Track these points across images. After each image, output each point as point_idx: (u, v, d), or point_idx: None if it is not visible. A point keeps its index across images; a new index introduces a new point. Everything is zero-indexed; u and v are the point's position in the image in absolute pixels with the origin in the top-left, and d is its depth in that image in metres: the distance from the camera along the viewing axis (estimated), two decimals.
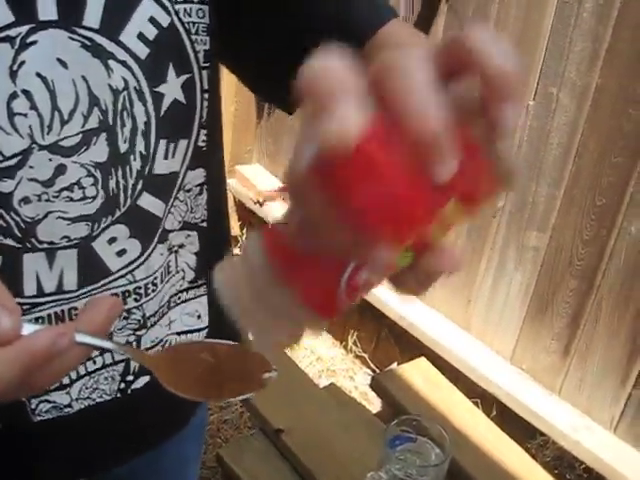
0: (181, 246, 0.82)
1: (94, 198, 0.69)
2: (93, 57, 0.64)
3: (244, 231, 2.97)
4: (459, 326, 2.10)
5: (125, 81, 0.66)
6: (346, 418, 1.52)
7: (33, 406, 0.80)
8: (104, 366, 0.81)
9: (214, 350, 0.56)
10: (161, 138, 0.71)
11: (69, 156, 0.66)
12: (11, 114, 0.62)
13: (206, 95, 0.74)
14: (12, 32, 0.60)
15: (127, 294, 0.77)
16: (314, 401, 1.58)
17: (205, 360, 0.51)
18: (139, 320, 0.79)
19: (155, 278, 0.79)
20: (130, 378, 0.84)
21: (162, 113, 0.70)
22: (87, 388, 0.82)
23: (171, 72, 0.69)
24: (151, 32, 0.66)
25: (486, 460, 1.45)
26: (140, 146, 0.70)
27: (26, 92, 0.62)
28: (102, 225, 0.71)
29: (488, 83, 0.31)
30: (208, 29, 0.71)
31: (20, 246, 0.68)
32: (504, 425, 1.62)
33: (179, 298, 0.85)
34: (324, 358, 2.54)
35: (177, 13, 0.68)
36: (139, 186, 0.72)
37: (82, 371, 0.79)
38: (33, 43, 0.61)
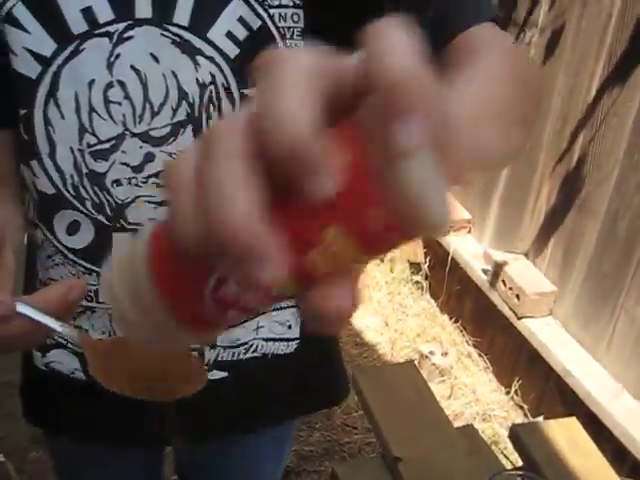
0: None
1: None
2: (182, 53, 0.67)
3: (427, 259, 2.93)
4: (630, 394, 1.89)
5: (212, 76, 0.69)
6: (472, 463, 1.42)
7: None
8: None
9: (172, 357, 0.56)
10: None
11: (158, 145, 0.70)
12: (107, 101, 0.67)
13: None
14: (111, 28, 0.65)
15: None
16: (443, 439, 1.50)
17: (144, 357, 0.50)
18: None
19: None
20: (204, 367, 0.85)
21: None
22: None
23: None
24: (241, 32, 0.68)
25: None
26: None
27: (121, 83, 0.67)
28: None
29: (379, 95, 0.24)
30: (303, 33, 0.71)
31: (110, 224, 0.73)
32: None
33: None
34: (483, 401, 2.42)
35: (272, 17, 0.69)
36: None
37: None
38: (129, 38, 0.66)
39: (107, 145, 0.69)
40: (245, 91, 0.70)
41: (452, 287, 2.78)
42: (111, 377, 0.49)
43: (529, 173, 2.29)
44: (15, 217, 0.70)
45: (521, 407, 2.34)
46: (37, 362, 0.88)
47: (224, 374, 0.87)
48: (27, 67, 0.67)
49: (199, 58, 0.68)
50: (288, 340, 0.90)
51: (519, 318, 2.20)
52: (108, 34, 0.65)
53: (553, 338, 2.13)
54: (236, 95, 0.70)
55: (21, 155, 0.74)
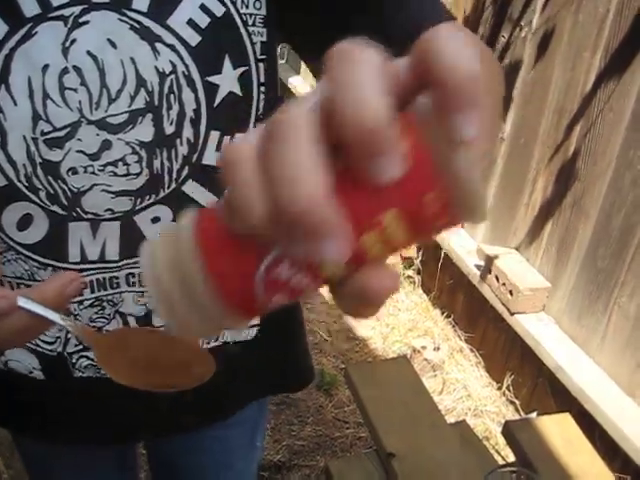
0: None
1: (138, 175, 0.70)
2: (141, 39, 0.65)
3: (420, 254, 2.92)
4: (623, 391, 1.89)
5: (173, 65, 0.67)
6: (465, 458, 1.41)
7: (74, 360, 0.83)
8: None
9: (159, 338, 0.54)
10: (213, 129, 0.71)
11: (115, 133, 0.68)
12: (62, 88, 0.65)
13: (262, 88, 0.73)
14: (66, 11, 0.62)
15: None
16: (437, 434, 1.49)
17: (145, 348, 0.49)
18: None
19: None
20: None
21: (216, 104, 0.70)
22: None
23: (227, 64, 0.69)
24: (203, 20, 0.66)
25: None
26: (187, 132, 0.70)
27: (77, 68, 0.64)
28: (145, 202, 0.72)
29: (439, 91, 0.27)
30: (265, 20, 0.70)
31: (66, 214, 0.71)
32: None
33: None
34: (475, 396, 2.41)
35: (234, 4, 0.67)
36: (184, 172, 0.72)
37: None
38: (85, 23, 0.63)
39: (62, 133, 0.67)
40: (209, 79, 0.69)
41: (444, 282, 2.77)
42: (118, 369, 0.48)
43: (524, 167, 2.28)
44: None
45: (513, 403, 2.33)
46: None
47: None
48: None
49: (159, 45, 0.66)
50: (249, 326, 0.89)
51: (512, 314, 2.19)
52: (63, 18, 0.63)
53: (546, 334, 2.12)
54: (198, 83, 0.69)
55: None
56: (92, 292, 0.77)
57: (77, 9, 0.63)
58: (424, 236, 0.30)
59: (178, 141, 0.70)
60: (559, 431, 1.52)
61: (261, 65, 0.72)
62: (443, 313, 2.77)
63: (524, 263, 2.28)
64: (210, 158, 0.73)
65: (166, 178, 0.72)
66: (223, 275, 0.30)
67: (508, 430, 1.54)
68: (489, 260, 2.31)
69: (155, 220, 0.74)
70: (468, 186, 0.28)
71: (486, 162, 0.28)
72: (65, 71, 0.65)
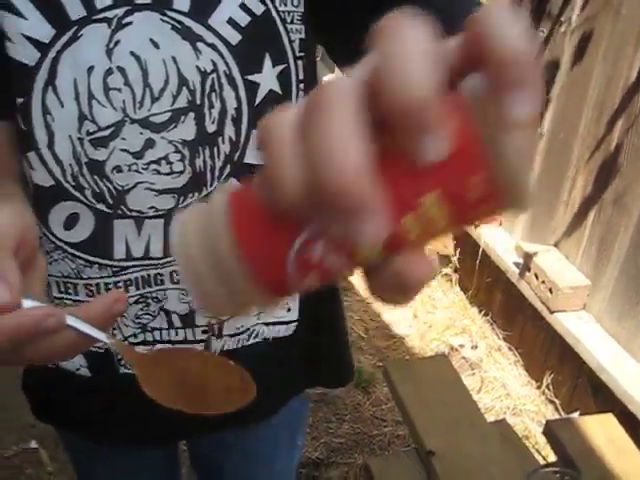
0: None
1: (181, 173, 0.71)
2: (182, 39, 0.66)
3: (457, 252, 2.90)
4: None
5: (214, 64, 0.68)
6: (505, 457, 1.41)
7: (119, 357, 0.84)
8: (186, 341, 0.83)
9: (202, 359, 0.55)
10: (254, 128, 0.71)
11: (158, 132, 0.69)
12: (107, 88, 0.66)
13: (301, 85, 0.73)
14: (110, 13, 0.64)
15: None
16: (477, 433, 1.49)
17: (187, 369, 0.50)
18: None
19: None
20: None
21: (257, 103, 0.71)
22: None
23: (267, 62, 0.70)
24: (243, 18, 0.67)
25: None
26: (229, 131, 0.71)
27: (121, 69, 0.66)
28: (188, 200, 0.73)
29: (492, 70, 0.26)
30: (303, 18, 0.70)
31: (111, 212, 0.72)
32: None
33: None
34: (514, 395, 2.39)
35: (273, 2, 0.68)
36: (227, 170, 0.73)
37: (165, 336, 0.82)
38: (129, 24, 0.65)
39: (107, 132, 0.68)
40: (249, 77, 0.69)
41: (482, 280, 2.75)
42: (159, 390, 0.48)
43: (563, 164, 2.25)
44: (33, 216, 0.69)
45: (552, 402, 2.31)
46: None
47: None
48: (24, 54, 0.65)
49: (200, 45, 0.67)
50: (287, 323, 0.89)
51: (551, 312, 2.17)
52: (107, 20, 0.64)
53: (587, 333, 2.09)
54: (239, 82, 0.69)
55: (19, 148, 0.72)
56: (137, 289, 0.78)
57: (120, 11, 0.64)
58: (464, 222, 0.29)
59: (220, 139, 0.71)
60: (602, 431, 1.50)
61: (300, 62, 0.73)
62: (481, 311, 2.75)
63: (564, 261, 2.25)
64: (252, 157, 0.73)
65: (208, 176, 0.73)
66: (255, 252, 0.30)
67: (549, 429, 1.53)
68: (528, 257, 2.29)
69: None
70: (516, 171, 0.27)
71: (533, 148, 0.28)
72: (109, 72, 0.66)
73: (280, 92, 0.72)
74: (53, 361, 0.47)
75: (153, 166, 0.70)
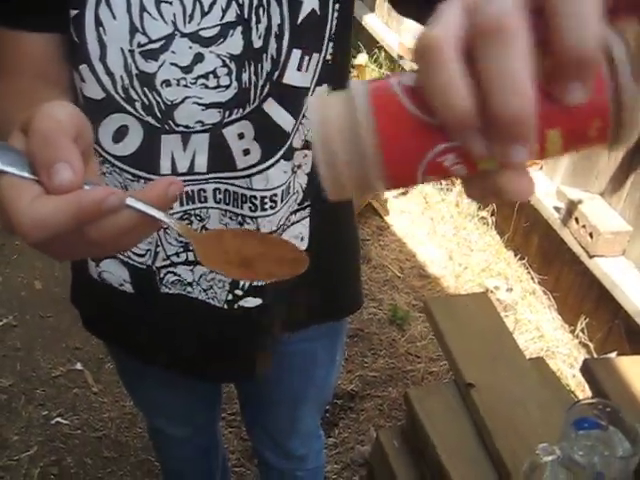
0: (299, 166, 0.82)
1: (227, 87, 0.72)
2: None
3: None
4: None
5: None
6: (542, 393, 1.44)
7: (162, 275, 0.86)
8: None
9: (254, 236, 0.59)
10: (295, 47, 0.72)
11: (207, 46, 0.69)
12: (158, 1, 0.67)
13: (337, 6, 0.73)
14: None
15: (244, 199, 0.80)
16: (516, 368, 1.51)
17: (242, 246, 0.52)
18: None
19: (274, 195, 0.80)
20: (239, 293, 0.88)
21: (299, 21, 0.71)
22: (207, 280, 0.87)
23: None
24: None
25: None
26: (272, 48, 0.72)
27: None
28: (233, 116, 0.74)
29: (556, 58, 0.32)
30: None
31: (159, 126, 0.74)
32: None
33: (289, 220, 0.86)
34: (547, 338, 2.42)
35: None
36: (266, 89, 0.74)
37: None
38: None
39: (157, 45, 0.69)
40: None
41: (520, 224, 2.75)
42: (218, 263, 0.51)
43: None
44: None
45: (586, 346, 2.33)
46: (91, 271, 0.90)
47: (259, 301, 0.90)
48: None
49: None
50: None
51: (591, 257, 2.18)
52: None
53: (625, 278, 2.10)
54: (285, 0, 0.70)
55: (71, 61, 0.73)
56: (181, 205, 0.80)
57: None
58: (576, 151, 0.35)
59: (264, 56, 0.72)
60: (638, 372, 1.53)
61: None
62: (517, 255, 2.76)
63: (605, 206, 2.24)
64: (290, 78, 0.74)
65: (252, 92, 0.74)
66: (393, 144, 0.34)
67: (587, 368, 1.55)
68: (570, 202, 2.28)
69: (241, 136, 0.76)
70: (632, 114, 0.33)
71: None
72: None
73: (319, 13, 0.72)
74: (112, 248, 0.47)
75: (201, 80, 0.71)
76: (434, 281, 2.66)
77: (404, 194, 3.09)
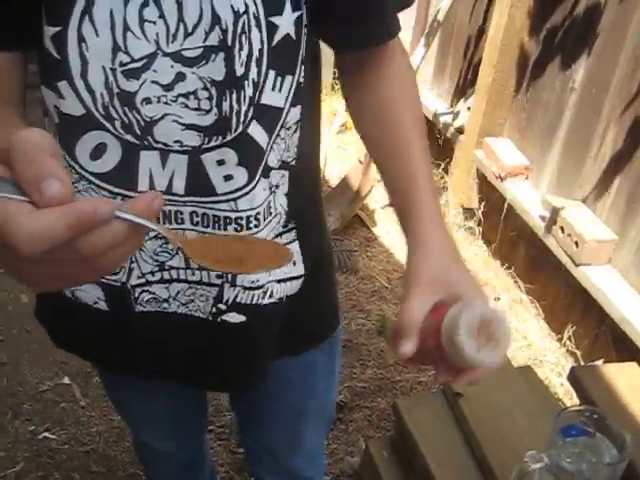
0: (277, 186, 0.83)
1: (207, 112, 0.73)
2: None
3: (482, 205, 2.91)
4: None
5: (246, 5, 0.69)
6: (530, 401, 1.44)
7: (136, 294, 0.86)
8: (201, 282, 0.86)
9: (240, 238, 0.65)
10: (271, 68, 0.73)
11: (189, 66, 0.70)
12: (142, 20, 0.68)
13: (305, 30, 0.75)
14: None
15: (228, 221, 0.80)
16: (503, 377, 1.52)
17: (231, 246, 0.55)
18: None
19: (258, 214, 0.81)
20: (222, 307, 0.88)
21: (274, 44, 0.72)
22: (185, 295, 0.87)
23: (288, 6, 0.72)
24: None
25: None
26: (253, 73, 0.72)
27: (156, 1, 0.67)
28: (212, 143, 0.75)
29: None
30: None
31: (138, 143, 0.74)
32: None
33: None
34: (535, 347, 2.43)
35: None
36: (250, 113, 0.75)
37: (182, 275, 0.84)
38: None
39: (139, 64, 0.70)
40: (271, 19, 0.71)
41: (506, 233, 2.76)
42: (207, 262, 0.53)
43: (594, 118, 2.24)
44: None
45: (573, 354, 2.35)
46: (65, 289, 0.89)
47: (242, 318, 0.89)
48: None
49: None
50: (297, 278, 0.92)
51: (577, 265, 2.19)
52: None
53: (611, 286, 2.11)
54: (263, 23, 0.71)
55: (46, 77, 0.74)
56: (157, 223, 0.80)
57: None
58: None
59: (246, 83, 0.73)
60: (626, 379, 1.53)
61: (307, 11, 0.74)
62: (503, 264, 2.77)
63: (591, 215, 2.26)
64: (267, 98, 0.75)
65: (234, 120, 0.74)
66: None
67: (574, 375, 1.56)
68: (555, 211, 2.30)
69: (221, 163, 0.77)
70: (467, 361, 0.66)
71: None
72: (145, 4, 0.67)
73: (294, 38, 0.74)
74: (105, 264, 0.46)
75: (181, 99, 0.72)
76: None
77: (391, 205, 3.10)
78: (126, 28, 0.68)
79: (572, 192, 2.37)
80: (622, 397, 1.48)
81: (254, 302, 0.88)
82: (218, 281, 0.85)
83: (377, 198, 3.12)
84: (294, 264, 0.91)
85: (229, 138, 0.75)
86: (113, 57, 0.69)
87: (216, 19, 0.69)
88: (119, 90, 0.71)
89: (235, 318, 0.89)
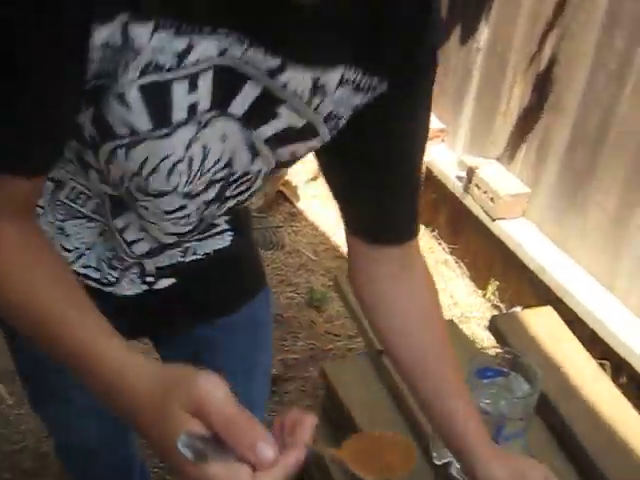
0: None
1: (192, 224, 0.81)
2: (245, 145, 0.71)
3: None
4: (601, 283, 1.96)
5: (259, 171, 0.76)
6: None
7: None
8: (126, 270, 0.91)
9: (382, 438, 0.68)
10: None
11: (192, 198, 0.76)
12: (170, 173, 0.70)
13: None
14: (203, 118, 0.67)
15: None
16: None
17: (376, 448, 0.64)
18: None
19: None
20: (150, 279, 0.92)
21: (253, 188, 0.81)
22: (127, 284, 0.92)
23: None
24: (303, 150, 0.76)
25: (604, 429, 1.34)
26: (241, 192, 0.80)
27: (190, 159, 0.70)
28: (186, 244, 0.89)
29: None
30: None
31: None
32: (632, 395, 1.51)
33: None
34: (462, 304, 2.49)
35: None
36: (223, 213, 0.85)
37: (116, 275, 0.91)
38: (213, 123, 0.68)
39: (152, 195, 0.74)
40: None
41: (427, 196, 2.80)
42: (367, 469, 0.61)
43: (500, 76, 2.29)
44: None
45: (497, 307, 2.41)
46: None
47: (172, 280, 0.93)
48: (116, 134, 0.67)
49: (258, 158, 0.73)
50: (222, 232, 0.95)
51: (493, 220, 2.25)
52: (199, 122, 0.67)
53: (527, 237, 2.18)
54: (261, 179, 0.78)
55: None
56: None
57: (213, 114, 0.67)
58: None
59: (230, 199, 0.79)
60: (543, 323, 1.58)
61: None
62: (427, 227, 2.82)
63: (504, 171, 2.32)
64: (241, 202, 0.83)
65: (208, 220, 0.84)
66: None
67: (494, 324, 1.60)
68: (470, 170, 2.34)
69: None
70: None
71: None
72: (180, 160, 0.69)
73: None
74: None
75: (174, 220, 0.78)
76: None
77: (314, 179, 3.10)
78: (153, 171, 0.70)
79: (486, 150, 2.42)
80: (540, 340, 1.53)
81: (175, 261, 0.91)
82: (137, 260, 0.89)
83: (299, 173, 3.12)
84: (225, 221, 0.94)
85: (197, 237, 0.87)
86: (131, 177, 0.71)
87: (231, 169, 0.74)
88: (127, 194, 0.76)
89: (165, 282, 0.93)
